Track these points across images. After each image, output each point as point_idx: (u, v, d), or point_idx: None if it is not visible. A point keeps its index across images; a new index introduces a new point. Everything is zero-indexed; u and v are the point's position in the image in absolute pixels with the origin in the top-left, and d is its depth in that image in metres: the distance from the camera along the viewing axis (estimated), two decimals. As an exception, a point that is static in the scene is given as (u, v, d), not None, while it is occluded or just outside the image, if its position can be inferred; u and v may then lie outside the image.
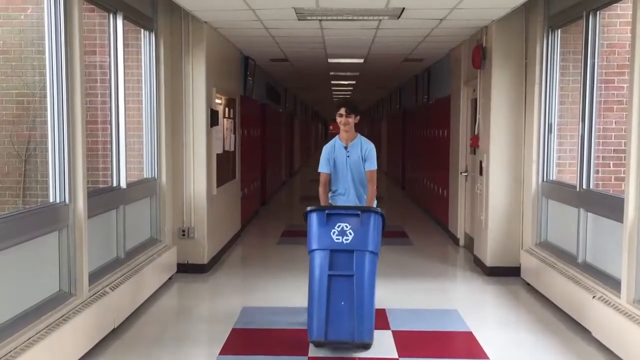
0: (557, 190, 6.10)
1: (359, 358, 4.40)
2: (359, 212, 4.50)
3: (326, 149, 5.30)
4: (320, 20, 6.78)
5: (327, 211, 4.52)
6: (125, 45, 5.57)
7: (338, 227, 4.46)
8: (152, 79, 6.34)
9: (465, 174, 8.31)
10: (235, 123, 8.83)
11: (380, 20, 6.77)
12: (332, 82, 15.09)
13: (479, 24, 6.95)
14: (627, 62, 5.69)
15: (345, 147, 5.25)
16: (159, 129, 6.45)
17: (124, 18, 5.50)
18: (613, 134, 6.05)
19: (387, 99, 19.75)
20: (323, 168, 5.30)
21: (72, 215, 4.44)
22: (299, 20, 6.70)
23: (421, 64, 10.78)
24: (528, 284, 6.40)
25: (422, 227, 10.39)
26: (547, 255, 6.02)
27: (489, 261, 6.90)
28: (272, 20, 6.88)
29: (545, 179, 6.41)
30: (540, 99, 6.40)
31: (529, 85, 6.61)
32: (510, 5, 5.99)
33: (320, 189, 5.29)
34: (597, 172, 5.66)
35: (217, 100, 7.56)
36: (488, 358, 4.51)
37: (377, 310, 4.48)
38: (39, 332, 3.82)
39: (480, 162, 7.23)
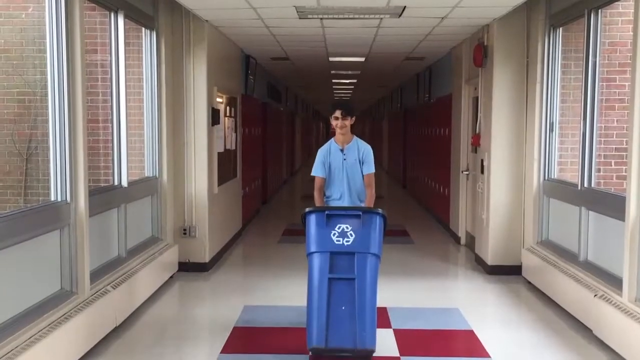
0: (559, 189, 6.09)
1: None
2: (360, 213, 4.32)
3: (321, 152, 5.08)
4: (321, 18, 6.78)
5: (326, 212, 4.33)
6: (126, 44, 5.57)
7: (338, 228, 4.28)
8: (153, 77, 6.33)
9: (467, 172, 8.30)
10: (236, 122, 8.83)
11: (381, 18, 6.76)
12: (333, 80, 15.09)
13: (480, 22, 6.95)
14: (628, 61, 5.68)
15: (342, 150, 5.03)
16: (160, 127, 6.45)
17: (125, 17, 5.50)
18: (614, 132, 6.04)
19: (388, 98, 19.74)
20: (318, 172, 5.06)
21: (73, 213, 4.44)
22: (300, 18, 6.70)
23: (422, 62, 10.77)
24: (529, 283, 6.39)
25: (423, 225, 10.38)
26: (549, 253, 6.02)
27: (490, 260, 6.89)
28: (273, 19, 6.87)
29: (546, 178, 6.40)
30: (542, 97, 6.39)
31: (531, 84, 6.60)
32: (512, 4, 5.98)
33: (315, 194, 5.06)
34: (598, 170, 5.66)
35: (218, 99, 7.56)
36: (489, 356, 4.51)
37: (378, 308, 4.33)
38: (41, 330, 3.82)
39: (482, 161, 7.22)
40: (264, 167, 12.60)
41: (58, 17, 4.26)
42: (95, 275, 4.80)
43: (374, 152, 5.11)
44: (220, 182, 7.54)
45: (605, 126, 5.96)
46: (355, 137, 5.10)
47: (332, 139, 5.13)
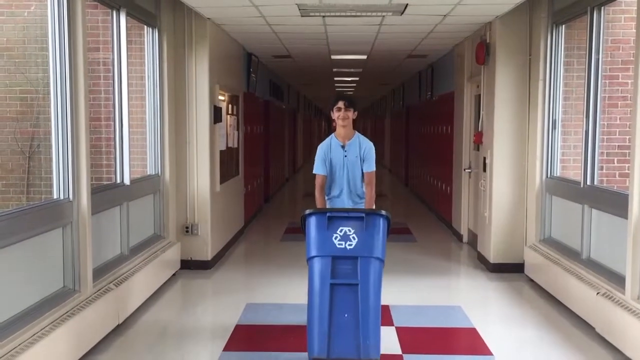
0: (561, 187, 6.08)
1: None
2: (364, 215, 4.08)
3: (321, 148, 4.88)
4: (323, 16, 6.77)
5: (327, 214, 4.09)
6: (128, 42, 5.57)
7: (340, 231, 4.05)
8: (155, 75, 6.34)
9: (469, 170, 8.30)
10: (238, 120, 8.83)
11: (383, 16, 6.75)
12: (335, 78, 15.08)
13: (482, 19, 6.93)
14: (631, 58, 5.66)
15: (343, 146, 4.83)
16: (162, 125, 6.45)
17: (127, 15, 5.50)
18: (617, 130, 6.03)
19: (390, 96, 19.73)
20: (319, 169, 4.86)
21: (76, 211, 4.45)
22: (302, 16, 6.69)
23: (425, 60, 10.76)
24: (532, 281, 6.39)
25: (426, 223, 10.38)
26: (551, 251, 6.01)
27: (493, 258, 6.89)
28: (275, 17, 6.87)
29: (549, 175, 6.40)
30: (544, 95, 6.38)
31: (533, 81, 6.59)
32: (514, 1, 5.96)
33: (317, 193, 4.85)
34: (601, 168, 5.64)
35: (221, 97, 7.56)
36: (492, 354, 4.51)
37: (381, 306, 4.20)
38: (44, 328, 3.83)
39: (484, 159, 7.22)
40: (266, 165, 12.60)
41: (60, 15, 4.26)
42: (98, 273, 4.81)
43: (375, 149, 4.95)
44: (222, 180, 7.54)
45: (608, 124, 5.95)
46: (357, 133, 4.92)
47: (333, 134, 4.94)
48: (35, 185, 6.08)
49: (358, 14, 6.56)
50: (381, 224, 4.11)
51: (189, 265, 6.91)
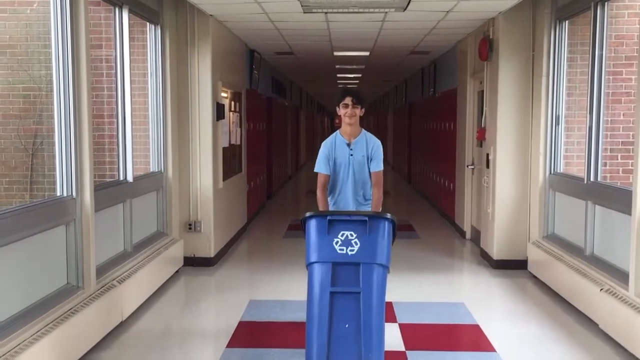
0: (565, 183, 6.07)
1: None
2: (367, 218, 3.80)
3: (325, 146, 4.58)
4: (325, 12, 6.76)
5: (328, 217, 3.82)
6: (131, 39, 5.56)
7: (342, 235, 3.77)
8: (158, 72, 6.33)
9: (472, 166, 8.28)
10: (241, 117, 8.83)
11: (386, 12, 6.74)
12: (338, 75, 15.06)
13: (485, 15, 6.91)
14: (635, 54, 5.65)
15: (348, 144, 4.55)
16: (165, 122, 6.45)
17: (130, 11, 5.49)
18: (621, 126, 6.02)
19: (393, 92, 19.70)
20: (321, 168, 4.57)
21: (79, 208, 4.45)
22: (304, 13, 6.68)
23: (427, 56, 10.73)
24: (535, 277, 6.38)
25: (429, 220, 10.37)
26: (555, 248, 6.00)
27: (496, 254, 6.88)
28: (278, 13, 6.86)
29: (552, 172, 6.38)
30: (548, 91, 6.36)
31: (536, 77, 6.57)
32: (517, -3, 5.95)
33: (319, 193, 4.57)
34: (604, 164, 5.63)
35: (223, 94, 7.56)
36: (495, 351, 4.51)
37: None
38: (47, 325, 3.84)
39: (487, 155, 7.20)
40: (268, 162, 12.60)
41: (63, 13, 4.26)
42: (101, 270, 4.82)
43: None
44: (225, 177, 7.55)
45: (611, 119, 5.94)
46: (363, 131, 4.63)
47: (338, 131, 4.66)
48: (38, 183, 6.09)
49: (361, 10, 6.55)
50: (385, 228, 3.82)
51: (192, 262, 6.92)
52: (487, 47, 7.03)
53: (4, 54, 6.15)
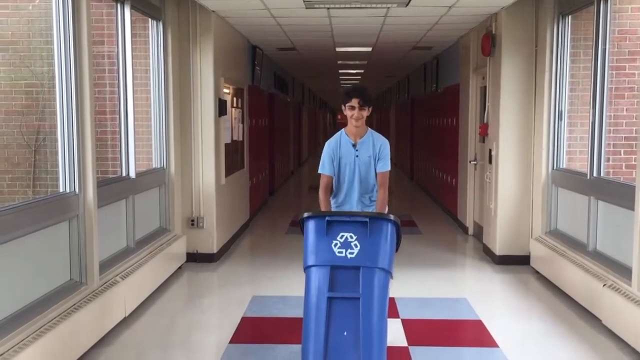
0: (568, 178, 6.06)
1: None
2: (367, 219, 3.58)
3: (329, 146, 4.36)
4: (328, 8, 6.75)
5: (327, 218, 3.60)
6: (133, 35, 5.56)
7: (341, 237, 3.56)
8: (160, 68, 6.33)
9: (475, 162, 8.27)
10: (243, 113, 8.83)
11: (388, 7, 6.72)
12: (340, 71, 15.05)
13: (488, 10, 6.89)
14: (638, 49, 5.63)
15: (354, 145, 4.33)
16: (167, 118, 6.45)
17: (132, 8, 5.49)
18: (624, 121, 6.00)
19: (395, 88, 19.67)
20: (325, 169, 4.35)
21: (82, 205, 4.46)
22: (306, 8, 6.67)
23: (430, 52, 10.71)
24: (538, 273, 6.38)
25: (431, 216, 10.37)
26: (557, 243, 6.00)
27: (499, 250, 6.88)
28: (280, 9, 6.85)
29: (555, 167, 6.37)
30: (551, 86, 6.35)
31: (539, 73, 6.56)
32: (520, -8, 5.93)
33: (321, 195, 4.35)
34: (607, 159, 5.61)
35: (225, 90, 7.55)
36: (497, 346, 4.51)
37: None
38: (51, 320, 3.85)
39: (490, 151, 7.19)
40: (271, 158, 12.60)
41: (65, 9, 4.26)
42: (105, 266, 4.83)
43: None
44: (227, 173, 7.55)
45: (614, 115, 5.92)
46: (369, 130, 4.40)
47: (343, 130, 4.42)
48: (41, 179, 6.10)
49: (363, 5, 6.53)
50: (388, 229, 3.59)
51: (194, 258, 6.93)
52: (489, 43, 7.02)
53: (6, 50, 6.15)
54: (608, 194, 5.16)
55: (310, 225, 3.64)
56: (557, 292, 5.75)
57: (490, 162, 7.20)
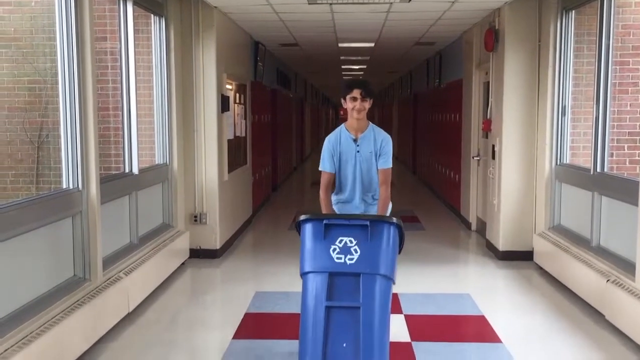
0: (571, 174, 6.05)
1: None
2: (368, 223, 3.36)
3: (329, 142, 4.19)
4: (330, 4, 6.73)
5: (325, 221, 3.39)
6: (135, 32, 5.56)
7: (340, 242, 3.35)
8: (162, 65, 6.33)
9: (478, 158, 8.26)
10: (245, 109, 8.82)
11: (391, 3, 6.70)
12: (343, 66, 15.03)
13: (491, 5, 6.87)
14: (642, 43, 5.61)
15: (355, 140, 4.16)
16: (170, 115, 6.46)
17: (134, 4, 5.49)
18: (628, 116, 5.98)
19: (398, 83, 19.64)
20: (325, 166, 4.18)
21: (85, 201, 4.47)
22: (309, 4, 6.66)
23: (433, 47, 10.69)
24: (541, 268, 6.37)
25: (434, 211, 10.36)
26: (561, 239, 5.99)
27: (502, 245, 6.87)
28: (282, 5, 6.83)
29: (558, 163, 6.36)
30: (554, 81, 6.33)
31: (542, 68, 6.54)
32: (524, -13, 5.90)
33: (322, 194, 4.17)
34: (611, 155, 5.60)
35: (228, 86, 7.55)
36: (501, 341, 4.51)
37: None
38: (55, 316, 3.86)
39: (493, 146, 7.18)
40: (273, 154, 12.60)
41: (67, 5, 4.26)
42: (108, 262, 4.84)
43: None
44: (230, 169, 7.55)
45: (618, 110, 5.90)
46: (371, 124, 4.23)
47: (343, 125, 4.26)
48: (44, 175, 6.11)
49: (365, 1, 6.52)
50: (391, 233, 3.36)
51: (197, 254, 6.93)
52: (492, 38, 7.00)
53: (9, 47, 6.15)
54: (612, 190, 5.15)
55: (307, 229, 3.45)
56: (561, 288, 5.74)
57: (493, 157, 7.18)
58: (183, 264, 6.62)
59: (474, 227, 8.56)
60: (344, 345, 3.24)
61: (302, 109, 19.47)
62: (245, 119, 8.76)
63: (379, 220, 3.40)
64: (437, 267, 6.78)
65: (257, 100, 9.87)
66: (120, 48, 5.37)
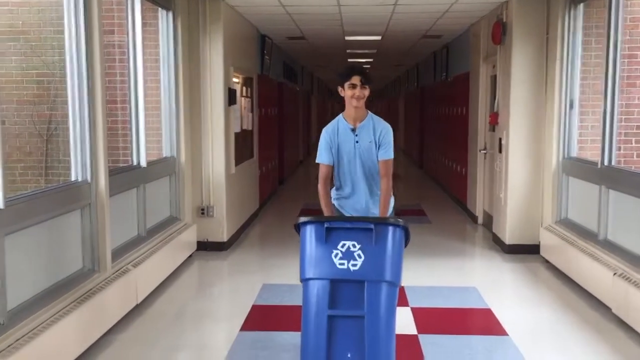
0: (578, 167, 6.03)
1: None
2: (372, 226, 3.13)
3: (326, 133, 3.97)
4: (337, -4, 6.72)
5: (326, 224, 3.18)
6: (143, 25, 5.57)
7: (342, 246, 3.13)
8: (170, 58, 6.34)
9: (484, 151, 8.25)
10: (252, 102, 8.83)
11: (398, -4, 6.69)
12: (349, 59, 14.99)
13: (499, -2, 6.85)
14: (651, 36, 5.58)
15: (353, 130, 3.94)
16: (177, 108, 6.47)
17: (142, -3, 5.50)
18: (636, 110, 5.97)
19: (404, 77, 19.59)
20: (322, 158, 3.95)
21: (94, 193, 4.50)
22: (316, -3, 6.65)
23: (440, 40, 10.66)
24: (548, 262, 6.37)
25: (440, 205, 10.36)
26: (568, 232, 5.98)
27: (508, 239, 6.87)
28: (289, -2, 6.83)
29: (566, 156, 6.34)
30: (562, 74, 6.30)
31: (550, 61, 6.51)
32: (532, -21, 5.88)
33: (320, 188, 3.94)
34: (619, 148, 5.59)
35: (235, 79, 7.56)
36: (507, 334, 4.52)
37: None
38: (65, 307, 3.89)
39: (500, 140, 7.17)
40: (280, 148, 12.61)
41: (76, -2, 4.28)
42: (117, 254, 4.87)
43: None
44: (237, 163, 7.57)
45: (626, 104, 5.89)
46: (370, 113, 4.01)
47: (340, 115, 4.04)
48: (53, 168, 6.15)
49: (373, -6, 6.51)
50: (397, 237, 3.15)
51: (205, 246, 6.97)
52: (500, 31, 6.97)
53: (17, 40, 6.18)
54: (619, 183, 5.13)
55: (308, 232, 3.26)
56: (567, 281, 5.74)
57: (500, 151, 7.17)
58: (190, 256, 6.65)
59: (480, 220, 8.56)
60: (348, 355, 3.08)
61: (309, 102, 19.45)
62: (252, 112, 8.77)
63: (384, 223, 3.20)
64: (444, 260, 6.79)
65: (263, 94, 9.88)
66: (128, 41, 5.39)
